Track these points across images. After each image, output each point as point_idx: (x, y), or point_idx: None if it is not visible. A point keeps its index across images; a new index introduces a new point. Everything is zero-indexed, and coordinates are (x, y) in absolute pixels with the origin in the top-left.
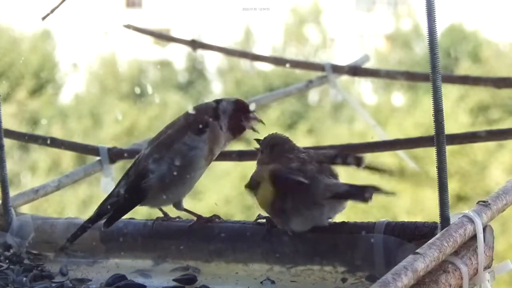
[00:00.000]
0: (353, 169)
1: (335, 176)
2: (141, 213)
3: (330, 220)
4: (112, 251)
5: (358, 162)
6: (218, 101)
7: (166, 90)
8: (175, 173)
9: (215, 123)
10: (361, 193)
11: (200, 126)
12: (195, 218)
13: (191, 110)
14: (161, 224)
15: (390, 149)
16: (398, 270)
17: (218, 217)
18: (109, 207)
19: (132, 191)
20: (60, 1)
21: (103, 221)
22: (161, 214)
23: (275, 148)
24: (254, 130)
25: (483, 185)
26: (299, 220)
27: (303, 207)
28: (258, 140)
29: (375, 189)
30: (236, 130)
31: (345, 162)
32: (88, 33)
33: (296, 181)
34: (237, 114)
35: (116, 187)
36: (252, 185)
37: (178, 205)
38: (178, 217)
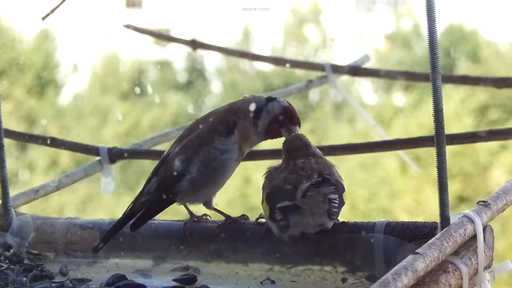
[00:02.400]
0: None
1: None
2: None
3: (328, 223)
4: (112, 251)
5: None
6: (269, 99)
7: (166, 90)
8: (205, 176)
9: (247, 121)
10: (305, 192)
11: (230, 125)
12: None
13: (227, 104)
14: (161, 223)
15: (390, 149)
16: (398, 270)
17: (246, 217)
18: (140, 205)
19: (162, 193)
20: (60, 1)
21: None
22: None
23: (289, 153)
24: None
25: (485, 186)
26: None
27: (287, 212)
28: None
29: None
30: (272, 134)
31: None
32: (88, 33)
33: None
34: (280, 119)
35: (147, 184)
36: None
37: (208, 204)
38: (205, 214)
